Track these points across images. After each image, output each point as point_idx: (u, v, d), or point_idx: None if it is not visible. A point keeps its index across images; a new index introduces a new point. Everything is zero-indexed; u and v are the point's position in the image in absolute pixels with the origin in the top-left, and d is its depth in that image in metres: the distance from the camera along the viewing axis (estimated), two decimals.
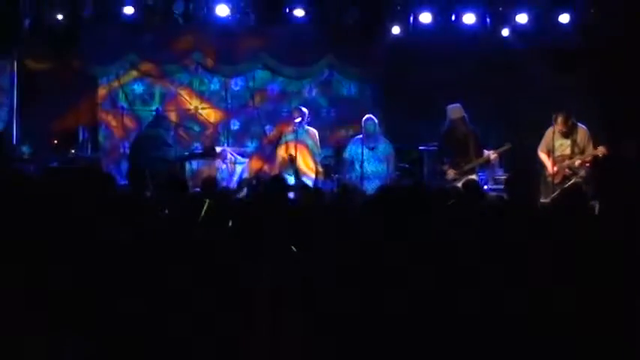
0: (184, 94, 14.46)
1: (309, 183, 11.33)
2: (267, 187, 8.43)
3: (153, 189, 9.09)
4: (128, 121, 14.28)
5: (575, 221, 5.96)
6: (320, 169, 12.75)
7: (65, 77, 13.67)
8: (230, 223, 6.38)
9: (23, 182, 5.90)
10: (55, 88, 13.55)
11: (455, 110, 12.28)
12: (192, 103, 14.50)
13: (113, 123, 14.32)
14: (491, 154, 12.18)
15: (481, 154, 12.12)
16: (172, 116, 14.15)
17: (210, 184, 9.14)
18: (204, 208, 6.86)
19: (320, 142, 13.01)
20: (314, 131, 12.82)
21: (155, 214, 6.58)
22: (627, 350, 4.86)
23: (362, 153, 12.37)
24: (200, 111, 14.50)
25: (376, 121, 12.75)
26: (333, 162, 13.58)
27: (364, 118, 12.70)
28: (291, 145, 12.41)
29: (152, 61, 14.14)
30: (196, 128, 14.25)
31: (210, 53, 14.16)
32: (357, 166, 12.48)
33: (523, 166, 12.68)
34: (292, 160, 12.38)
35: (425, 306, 4.96)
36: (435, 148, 12.83)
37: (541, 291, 5.03)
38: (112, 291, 5.05)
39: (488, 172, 12.50)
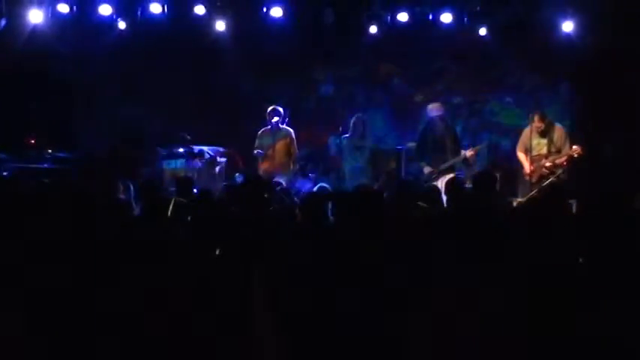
0: None
1: (283, 182, 11.28)
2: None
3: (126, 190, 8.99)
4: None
5: (552, 220, 5.96)
6: (296, 168, 12.79)
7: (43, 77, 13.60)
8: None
9: None
10: (34, 87, 13.48)
11: (434, 108, 12.34)
12: None
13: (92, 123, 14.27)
14: (467, 153, 12.21)
15: (458, 153, 12.15)
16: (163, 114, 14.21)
17: (186, 184, 9.09)
18: (171, 207, 6.86)
19: (298, 141, 13.01)
20: (290, 130, 12.80)
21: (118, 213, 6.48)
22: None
23: (345, 150, 12.49)
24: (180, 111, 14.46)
25: (366, 120, 12.81)
26: (310, 161, 13.57)
27: (354, 117, 12.75)
28: (269, 148, 12.42)
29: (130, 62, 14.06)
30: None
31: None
32: (344, 165, 12.53)
33: (497, 166, 12.79)
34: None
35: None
36: (413, 146, 12.86)
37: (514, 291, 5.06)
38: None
39: (466, 170, 12.50)
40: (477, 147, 12.39)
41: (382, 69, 14.33)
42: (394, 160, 13.78)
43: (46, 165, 12.62)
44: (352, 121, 12.71)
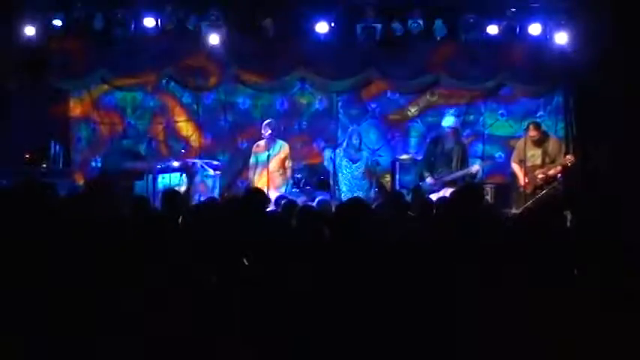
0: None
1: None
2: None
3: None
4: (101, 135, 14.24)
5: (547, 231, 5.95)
6: (290, 181, 12.82)
7: (35, 91, 13.56)
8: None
9: None
10: (26, 102, 13.44)
11: (449, 120, 12.41)
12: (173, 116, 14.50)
13: (85, 135, 14.26)
14: (473, 168, 12.26)
15: (463, 168, 12.18)
16: (159, 129, 14.19)
17: (171, 197, 8.94)
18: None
19: (292, 154, 13.04)
20: (285, 144, 12.83)
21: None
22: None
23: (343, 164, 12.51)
24: (175, 125, 14.46)
25: (360, 132, 12.86)
26: (305, 175, 13.57)
27: (350, 130, 12.83)
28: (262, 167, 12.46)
29: (124, 75, 14.00)
30: (179, 144, 14.21)
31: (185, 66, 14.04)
32: (340, 178, 12.54)
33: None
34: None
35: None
36: (407, 158, 12.90)
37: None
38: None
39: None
40: (482, 164, 12.53)
41: (374, 85, 14.28)
42: (388, 173, 13.81)
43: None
44: (348, 133, 12.77)
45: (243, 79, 14.03)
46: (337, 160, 12.80)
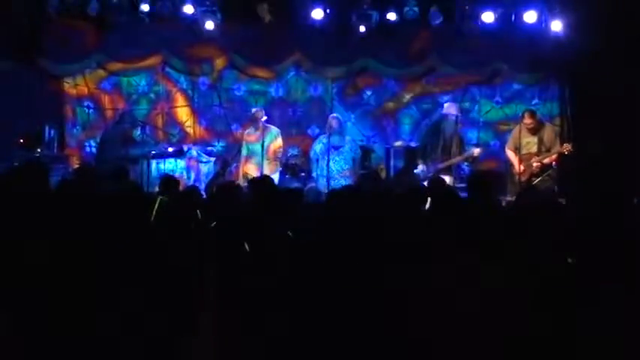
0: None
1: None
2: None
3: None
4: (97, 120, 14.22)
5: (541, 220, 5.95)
6: (280, 167, 12.84)
7: (29, 76, 13.51)
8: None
9: None
10: (19, 86, 13.39)
11: (450, 107, 12.42)
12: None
13: (80, 120, 14.21)
14: (474, 151, 12.28)
15: (462, 154, 12.19)
16: (155, 115, 14.22)
17: (169, 182, 9.03)
18: (156, 206, 6.82)
19: (286, 141, 13.05)
20: (278, 131, 12.85)
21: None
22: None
23: (327, 151, 12.42)
24: (169, 110, 14.42)
25: (341, 119, 12.84)
26: (299, 161, 13.57)
27: (329, 117, 12.78)
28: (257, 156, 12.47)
29: (120, 60, 13.96)
30: (174, 130, 14.20)
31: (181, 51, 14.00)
32: (323, 165, 12.49)
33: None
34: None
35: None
36: (407, 144, 12.92)
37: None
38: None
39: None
40: (481, 148, 12.57)
41: (369, 72, 14.28)
42: (382, 160, 13.79)
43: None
44: (328, 122, 12.73)
45: (239, 65, 14.02)
46: (320, 148, 12.73)
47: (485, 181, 7.59)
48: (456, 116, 12.35)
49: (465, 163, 12.46)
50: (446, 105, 12.70)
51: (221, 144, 14.23)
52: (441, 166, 12.11)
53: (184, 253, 5.55)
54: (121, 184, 8.52)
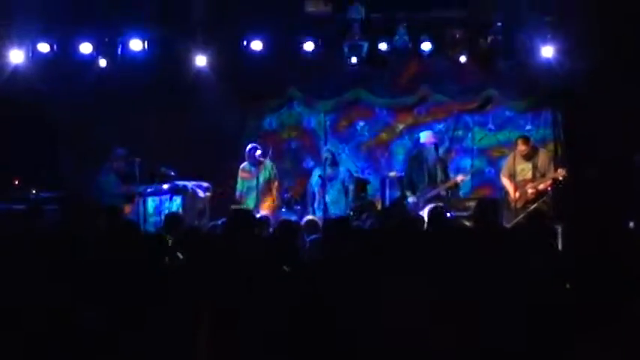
0: None
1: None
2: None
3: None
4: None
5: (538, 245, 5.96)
6: (279, 202, 12.81)
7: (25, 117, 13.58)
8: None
9: None
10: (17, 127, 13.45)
11: (426, 136, 12.40)
12: None
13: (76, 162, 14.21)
14: (458, 178, 12.25)
15: (448, 181, 12.18)
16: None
17: (174, 221, 9.03)
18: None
19: (282, 173, 13.05)
20: (273, 165, 12.83)
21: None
22: None
23: (323, 184, 12.44)
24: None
25: (333, 151, 12.86)
26: (294, 193, 13.55)
27: (323, 150, 12.81)
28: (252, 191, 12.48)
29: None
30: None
31: None
32: (319, 197, 12.50)
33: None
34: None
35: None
36: (400, 175, 12.89)
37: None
38: None
39: (450, 199, 12.49)
40: (467, 174, 12.50)
41: (361, 103, 14.34)
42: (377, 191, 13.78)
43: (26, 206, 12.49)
44: (322, 154, 12.76)
45: (233, 99, 14.04)
46: (316, 181, 12.74)
47: (490, 209, 7.63)
48: (434, 144, 12.37)
49: (451, 190, 12.41)
50: (422, 134, 12.65)
51: (215, 179, 14.18)
52: (429, 195, 12.09)
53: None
54: (115, 221, 8.50)
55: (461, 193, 13.03)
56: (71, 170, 14.11)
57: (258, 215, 10.87)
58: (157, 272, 5.86)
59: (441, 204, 11.23)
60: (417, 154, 12.66)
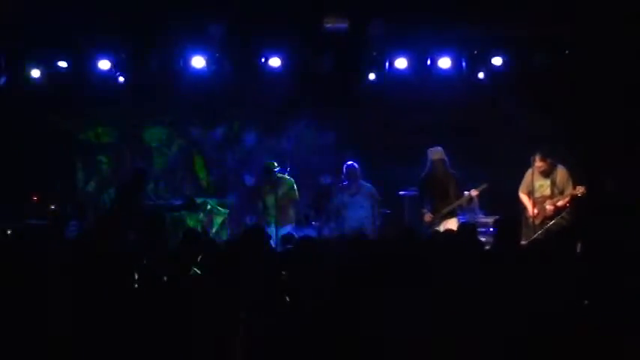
0: None
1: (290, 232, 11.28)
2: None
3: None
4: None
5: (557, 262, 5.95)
6: (299, 216, 12.80)
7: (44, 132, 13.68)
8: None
9: None
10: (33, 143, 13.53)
11: (435, 153, 12.30)
12: None
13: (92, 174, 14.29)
14: (471, 192, 12.13)
15: (461, 196, 12.10)
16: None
17: (193, 236, 8.99)
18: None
19: (300, 190, 13.03)
20: (292, 180, 12.78)
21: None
22: None
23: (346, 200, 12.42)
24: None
25: (357, 167, 12.74)
26: (313, 210, 13.53)
27: (345, 165, 12.71)
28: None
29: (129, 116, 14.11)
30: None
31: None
32: (343, 213, 12.45)
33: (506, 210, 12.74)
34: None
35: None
36: (415, 192, 12.81)
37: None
38: None
39: (469, 215, 12.45)
40: (481, 187, 12.32)
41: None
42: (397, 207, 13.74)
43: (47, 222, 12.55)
44: (343, 171, 12.67)
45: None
46: (339, 197, 12.67)
47: (512, 227, 7.61)
48: (443, 160, 12.28)
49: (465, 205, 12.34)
50: (430, 151, 12.53)
51: (233, 196, 14.25)
52: (444, 210, 12.03)
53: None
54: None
55: (477, 208, 12.93)
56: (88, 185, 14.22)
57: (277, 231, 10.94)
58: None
59: (472, 221, 11.15)
60: (427, 171, 12.56)
